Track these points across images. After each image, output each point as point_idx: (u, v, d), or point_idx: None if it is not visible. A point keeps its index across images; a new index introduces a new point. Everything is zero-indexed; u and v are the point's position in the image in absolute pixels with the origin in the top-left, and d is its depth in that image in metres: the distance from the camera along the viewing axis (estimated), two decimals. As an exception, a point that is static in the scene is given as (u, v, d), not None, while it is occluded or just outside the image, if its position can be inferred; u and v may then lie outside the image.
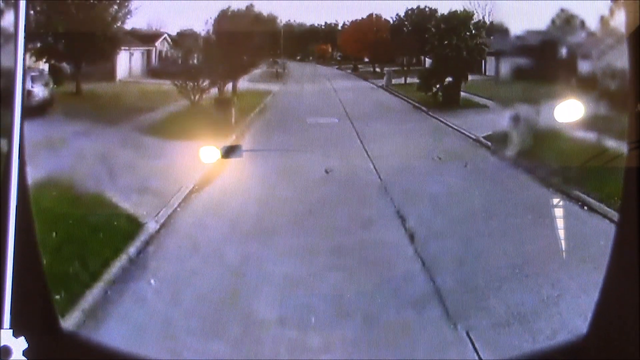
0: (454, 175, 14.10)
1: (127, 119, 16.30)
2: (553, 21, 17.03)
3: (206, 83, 16.52)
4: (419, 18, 17.61)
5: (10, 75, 8.40)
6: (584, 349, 9.02)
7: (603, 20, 15.39)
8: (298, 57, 20.19)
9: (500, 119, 15.73)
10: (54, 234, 11.73)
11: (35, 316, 8.38)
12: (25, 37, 8.34)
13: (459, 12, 16.66)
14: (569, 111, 13.38)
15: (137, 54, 18.64)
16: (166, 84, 16.81)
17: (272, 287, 11.24)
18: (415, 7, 17.74)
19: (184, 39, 17.42)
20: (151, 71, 18.89)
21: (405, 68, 19.11)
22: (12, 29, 8.58)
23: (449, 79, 17.24)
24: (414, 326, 10.38)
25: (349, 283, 11.28)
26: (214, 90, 16.87)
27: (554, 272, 11.28)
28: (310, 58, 20.36)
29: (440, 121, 16.82)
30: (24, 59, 8.34)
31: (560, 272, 11.28)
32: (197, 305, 10.80)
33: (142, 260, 11.97)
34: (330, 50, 20.35)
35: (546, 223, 12.42)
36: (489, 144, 15.56)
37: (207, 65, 16.83)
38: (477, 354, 9.88)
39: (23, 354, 7.76)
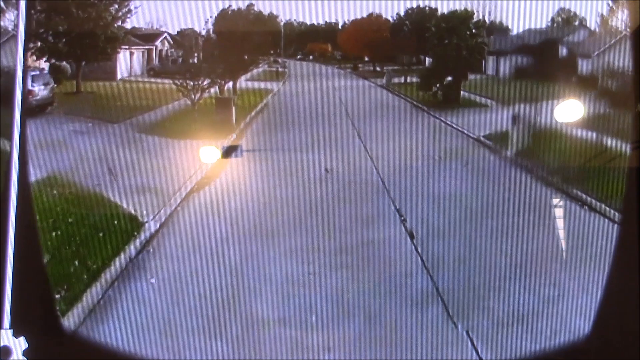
0: (454, 175, 14.10)
1: (127, 118, 16.32)
2: (553, 20, 17.06)
3: (206, 82, 16.52)
4: (419, 17, 17.63)
5: (10, 74, 8.39)
6: (585, 349, 9.01)
7: (603, 20, 15.40)
8: (298, 56, 20.21)
9: (500, 118, 15.73)
10: (54, 233, 11.73)
11: (35, 316, 8.38)
12: (25, 37, 8.33)
13: (459, 11, 16.68)
14: (569, 111, 13.39)
15: (138, 53, 18.66)
16: (166, 83, 16.81)
17: (272, 285, 11.23)
18: (415, 6, 17.77)
19: (184, 38, 17.44)
20: (151, 70, 18.92)
21: (405, 67, 19.12)
22: (12, 28, 8.57)
23: (449, 78, 17.25)
24: (413, 325, 10.36)
25: (348, 281, 11.28)
26: (215, 90, 16.88)
27: (555, 271, 11.26)
28: (311, 57, 20.37)
29: (441, 120, 16.82)
30: (25, 59, 8.34)
31: (561, 271, 11.27)
32: (197, 304, 10.78)
33: (142, 260, 11.96)
34: (330, 49, 20.37)
35: (546, 223, 12.41)
36: (489, 143, 15.56)
37: (207, 64, 16.84)
38: (477, 353, 9.86)
39: (23, 354, 7.76)
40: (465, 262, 11.67)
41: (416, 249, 12.14)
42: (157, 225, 12.85)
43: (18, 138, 8.19)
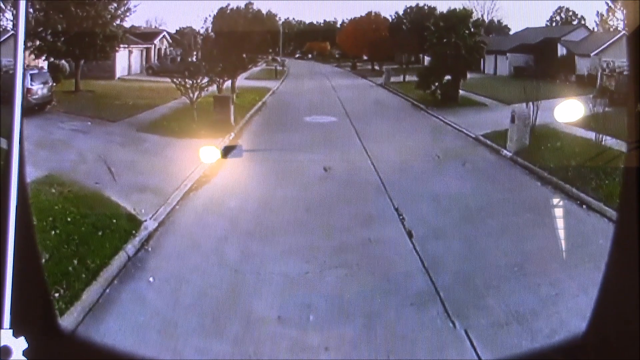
0: (452, 174, 14.11)
1: (126, 117, 16.32)
2: (552, 20, 17.07)
3: (205, 81, 16.51)
4: (418, 16, 17.63)
5: (9, 74, 8.39)
6: (583, 347, 9.02)
7: (602, 19, 15.42)
8: (297, 55, 20.21)
9: (499, 117, 15.75)
10: (53, 232, 11.73)
11: (35, 316, 8.38)
12: (25, 36, 8.33)
13: (457, 10, 16.67)
14: (567, 110, 13.41)
15: (136, 52, 18.66)
16: (165, 82, 16.80)
17: (271, 284, 11.24)
18: (414, 5, 17.77)
19: (183, 37, 17.43)
20: (150, 69, 18.92)
21: (404, 66, 19.13)
22: (12, 27, 8.57)
23: (447, 77, 17.24)
24: (412, 324, 10.37)
25: (347, 280, 11.29)
26: (213, 88, 16.88)
27: (553, 270, 11.27)
28: (309, 56, 20.37)
29: (439, 119, 16.83)
30: (24, 59, 8.33)
31: (559, 270, 11.28)
32: (196, 303, 10.78)
33: (141, 259, 11.95)
34: (329, 48, 20.38)
35: (544, 222, 12.42)
36: (488, 142, 15.57)
37: (206, 63, 16.84)
38: (476, 352, 9.87)
39: (23, 354, 7.76)
40: (464, 261, 11.68)
41: (415, 248, 12.15)
42: (156, 224, 12.85)
43: (17, 138, 8.17)
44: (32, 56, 15.93)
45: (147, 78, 18.65)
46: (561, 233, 12.07)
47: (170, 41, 18.45)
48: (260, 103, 18.11)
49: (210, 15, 16.56)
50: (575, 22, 17.23)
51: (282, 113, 17.48)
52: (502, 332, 10.13)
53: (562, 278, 11.03)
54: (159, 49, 18.79)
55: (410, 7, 17.87)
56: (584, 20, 17.03)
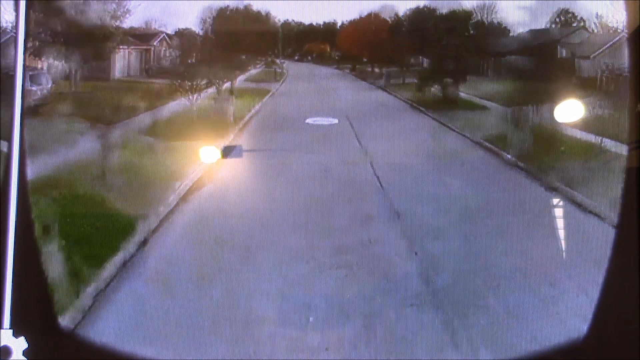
0: (451, 176, 14.11)
1: (124, 118, 16.30)
2: (552, 21, 17.08)
3: (204, 82, 16.52)
4: (418, 18, 17.64)
5: (9, 75, 8.38)
6: (583, 349, 9.01)
7: (602, 21, 15.44)
8: (296, 57, 20.23)
9: (498, 120, 15.77)
10: (51, 232, 11.71)
11: (35, 316, 8.36)
12: (25, 37, 8.32)
13: (458, 11, 16.68)
14: (567, 111, 13.41)
15: (135, 53, 18.65)
16: (164, 83, 16.81)
17: (271, 285, 11.25)
18: (414, 6, 17.80)
19: (182, 38, 17.44)
20: (149, 70, 18.91)
21: (403, 68, 19.13)
22: (11, 28, 8.56)
23: (447, 79, 17.25)
24: (410, 324, 10.37)
25: (347, 279, 11.30)
26: (212, 90, 16.89)
27: (551, 271, 11.27)
28: (309, 57, 20.39)
29: (439, 122, 16.83)
30: (24, 59, 8.33)
31: (557, 271, 11.29)
32: (195, 304, 10.79)
33: (139, 259, 11.96)
34: (328, 49, 20.38)
35: (543, 224, 12.42)
36: (487, 144, 15.58)
37: (205, 64, 16.85)
38: (476, 353, 9.87)
39: (23, 354, 7.75)
40: (463, 261, 11.69)
41: (413, 248, 12.16)
42: (155, 225, 12.86)
43: (17, 139, 8.17)
44: (31, 57, 15.92)
45: (145, 79, 18.64)
46: (561, 234, 12.08)
47: (169, 42, 18.46)
48: (259, 105, 18.13)
49: (209, 17, 16.57)
50: (575, 24, 17.27)
51: (281, 115, 17.49)
52: (502, 333, 10.13)
53: (561, 278, 11.04)
54: (158, 50, 18.79)
55: (410, 9, 17.90)
56: (584, 22, 17.07)
